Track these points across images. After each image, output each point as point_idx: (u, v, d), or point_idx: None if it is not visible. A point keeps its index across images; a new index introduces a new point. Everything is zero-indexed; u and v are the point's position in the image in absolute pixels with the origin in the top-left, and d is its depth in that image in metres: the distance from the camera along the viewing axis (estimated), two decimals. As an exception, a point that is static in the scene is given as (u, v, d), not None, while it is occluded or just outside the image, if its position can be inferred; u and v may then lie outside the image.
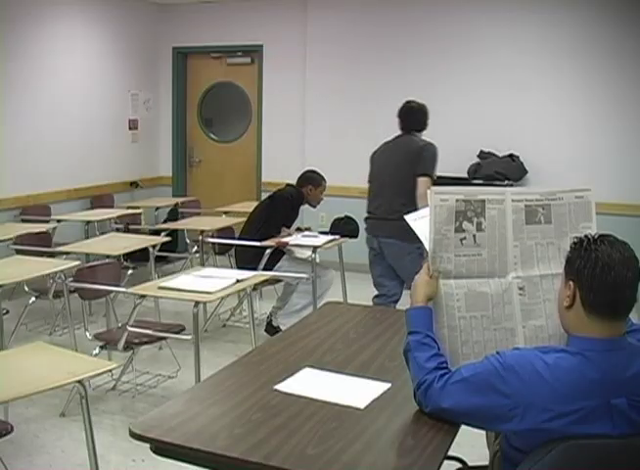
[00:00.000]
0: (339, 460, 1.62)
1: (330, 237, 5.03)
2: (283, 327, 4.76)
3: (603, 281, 1.63)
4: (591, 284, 1.65)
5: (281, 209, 5.04)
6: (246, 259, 4.89)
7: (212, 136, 7.80)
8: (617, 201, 5.77)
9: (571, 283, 1.70)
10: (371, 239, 4.47)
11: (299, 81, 7.05)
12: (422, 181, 4.21)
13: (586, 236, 1.72)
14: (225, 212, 6.32)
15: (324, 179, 5.21)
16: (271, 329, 5.02)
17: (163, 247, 5.23)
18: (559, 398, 1.60)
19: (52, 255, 4.88)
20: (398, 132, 4.52)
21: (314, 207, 5.31)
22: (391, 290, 4.47)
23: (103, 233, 5.75)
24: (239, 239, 5.10)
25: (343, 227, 5.28)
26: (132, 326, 3.65)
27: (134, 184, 7.44)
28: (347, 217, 5.38)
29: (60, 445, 3.37)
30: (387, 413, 1.88)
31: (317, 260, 4.91)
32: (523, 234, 1.95)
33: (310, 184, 5.16)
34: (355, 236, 5.34)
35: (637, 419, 1.61)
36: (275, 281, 5.02)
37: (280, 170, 6.82)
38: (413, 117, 4.48)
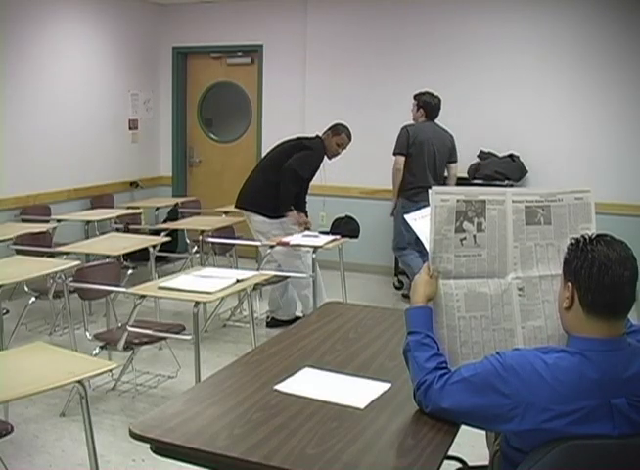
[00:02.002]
0: (339, 460, 1.62)
1: (330, 237, 5.02)
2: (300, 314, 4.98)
3: (600, 281, 1.63)
4: (589, 285, 1.65)
5: (291, 188, 4.97)
6: (250, 200, 5.02)
7: (212, 136, 7.79)
8: (617, 201, 5.78)
9: (569, 284, 1.70)
10: (426, 205, 5.12)
11: (300, 81, 7.05)
12: (455, 166, 5.77)
13: (583, 236, 1.72)
14: (225, 212, 6.32)
15: (348, 135, 5.13)
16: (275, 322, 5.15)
17: (163, 247, 5.23)
18: (559, 398, 1.60)
19: (52, 255, 4.88)
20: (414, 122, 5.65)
21: (330, 158, 5.19)
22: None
23: (103, 233, 5.74)
24: (248, 178, 5.21)
25: (344, 227, 5.27)
26: (132, 326, 3.65)
27: (134, 184, 7.44)
28: (348, 217, 5.37)
29: (60, 445, 3.37)
30: (387, 413, 1.88)
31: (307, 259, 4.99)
32: (522, 235, 1.95)
33: (330, 131, 5.12)
34: (356, 236, 5.32)
35: (637, 419, 1.61)
36: (276, 281, 5.02)
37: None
38: (438, 107, 5.60)
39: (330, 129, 5.15)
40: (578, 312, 1.68)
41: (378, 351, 2.39)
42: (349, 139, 5.15)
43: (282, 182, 4.90)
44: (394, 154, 5.58)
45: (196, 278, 3.75)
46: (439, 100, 5.60)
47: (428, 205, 5.98)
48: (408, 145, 5.50)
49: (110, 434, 3.47)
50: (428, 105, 5.58)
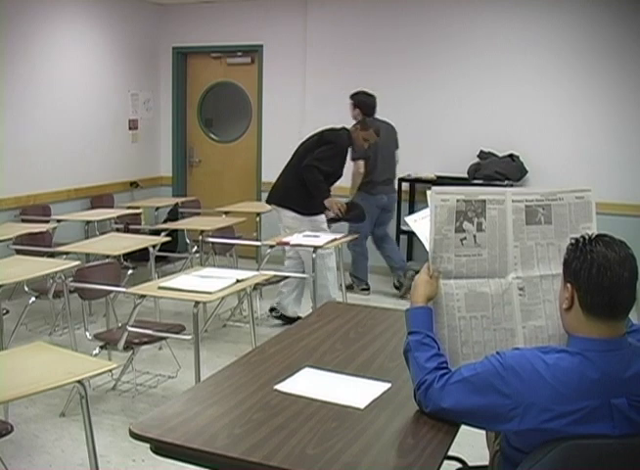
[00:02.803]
0: (339, 460, 1.62)
1: (331, 237, 5.00)
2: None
3: (599, 282, 1.62)
4: (588, 286, 1.64)
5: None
6: (281, 196, 5.06)
7: (212, 136, 7.79)
8: (618, 201, 5.78)
9: (568, 285, 1.69)
10: (383, 197, 5.96)
11: (299, 81, 7.05)
12: (398, 153, 6.10)
13: (582, 237, 1.71)
14: (225, 212, 6.32)
15: (376, 131, 5.18)
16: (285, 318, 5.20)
17: (163, 247, 5.23)
18: (559, 398, 1.60)
19: (52, 255, 4.88)
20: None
21: (355, 150, 5.24)
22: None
23: (103, 233, 5.74)
24: (280, 175, 5.25)
25: (349, 213, 5.28)
26: (132, 326, 3.65)
27: (134, 184, 7.44)
28: (352, 203, 5.44)
29: (60, 445, 3.37)
30: (387, 413, 1.88)
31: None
32: (523, 234, 1.95)
33: (360, 124, 5.18)
34: (362, 219, 5.41)
35: (637, 419, 1.61)
36: (276, 281, 5.02)
37: (280, 170, 6.83)
38: (374, 105, 5.78)
39: (359, 123, 5.21)
40: (578, 313, 1.68)
41: (378, 351, 2.39)
42: (377, 135, 5.20)
43: (306, 181, 4.91)
44: (354, 159, 5.67)
45: (196, 278, 3.75)
46: (375, 98, 5.78)
47: (385, 197, 6.03)
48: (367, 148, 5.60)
49: (110, 434, 3.47)
50: (364, 104, 5.74)
